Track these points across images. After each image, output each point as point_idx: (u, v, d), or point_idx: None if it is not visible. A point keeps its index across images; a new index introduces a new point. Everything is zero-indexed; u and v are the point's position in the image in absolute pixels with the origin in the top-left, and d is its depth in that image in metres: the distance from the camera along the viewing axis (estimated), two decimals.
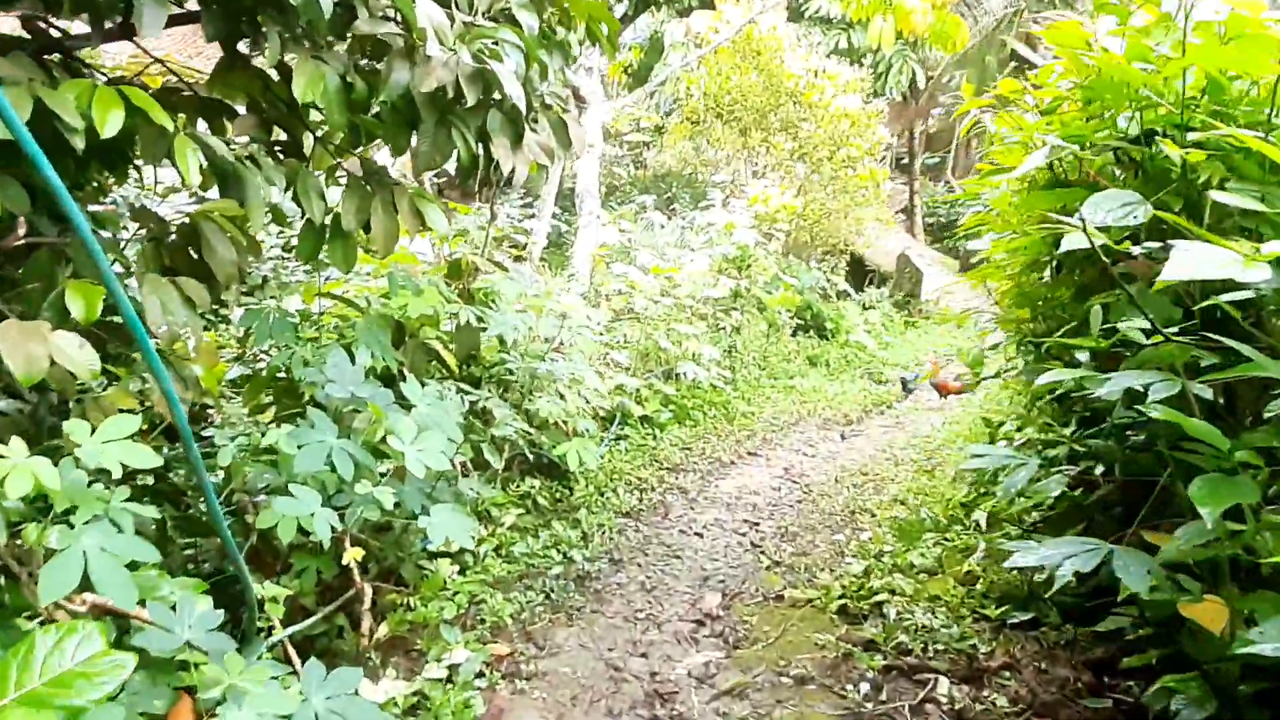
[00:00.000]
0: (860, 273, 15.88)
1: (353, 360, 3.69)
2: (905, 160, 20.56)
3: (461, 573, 3.77)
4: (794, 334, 11.16)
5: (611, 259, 7.30)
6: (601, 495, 5.00)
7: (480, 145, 4.16)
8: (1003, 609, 3.32)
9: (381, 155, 5.45)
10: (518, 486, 4.65)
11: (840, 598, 3.63)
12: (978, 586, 3.66)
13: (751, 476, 5.97)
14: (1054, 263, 2.75)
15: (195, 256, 3.08)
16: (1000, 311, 7.19)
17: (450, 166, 3.84)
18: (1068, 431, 2.20)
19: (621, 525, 4.70)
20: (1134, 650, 2.81)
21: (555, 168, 10.37)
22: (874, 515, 4.98)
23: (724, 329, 7.85)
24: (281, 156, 3.70)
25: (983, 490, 4.70)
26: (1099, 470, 2.99)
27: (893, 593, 3.66)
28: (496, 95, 4.02)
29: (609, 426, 6.01)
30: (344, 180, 3.81)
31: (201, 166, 2.91)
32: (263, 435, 3.26)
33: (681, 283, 7.15)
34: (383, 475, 3.32)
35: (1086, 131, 2.23)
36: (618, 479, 5.31)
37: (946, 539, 4.32)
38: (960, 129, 5.78)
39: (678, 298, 7.11)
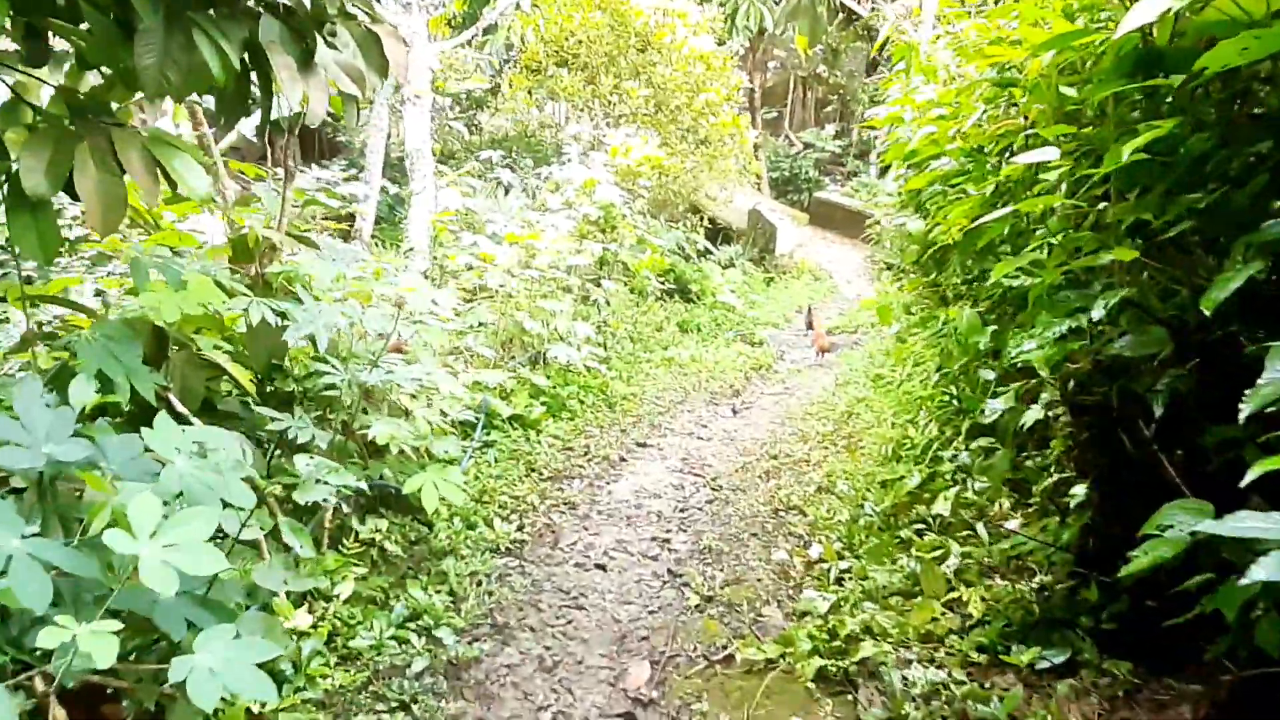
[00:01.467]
0: (712, 231, 15.20)
1: (65, 395, 2.37)
2: (746, 114, 20.04)
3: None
4: (659, 299, 10.28)
5: (457, 228, 6.02)
6: (471, 529, 3.83)
7: (254, 69, 2.89)
8: (1030, 651, 2.49)
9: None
10: (355, 535, 3.42)
11: (812, 653, 2.69)
12: (972, 611, 2.83)
13: (647, 474, 4.97)
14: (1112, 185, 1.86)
15: None
16: (900, 263, 6.52)
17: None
18: None
19: (502, 569, 3.57)
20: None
21: (379, 127, 8.77)
22: (805, 514, 4.12)
23: (594, 301, 6.78)
24: None
25: (929, 472, 3.93)
26: None
27: (873, 634, 2.77)
28: None
29: (472, 433, 4.83)
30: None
31: None
32: None
33: (542, 251, 5.99)
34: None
35: None
36: (490, 502, 4.16)
37: (900, 538, 3.51)
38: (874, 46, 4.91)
39: (540, 269, 5.95)
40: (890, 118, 4.10)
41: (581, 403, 5.97)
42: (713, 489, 4.71)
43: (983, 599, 2.88)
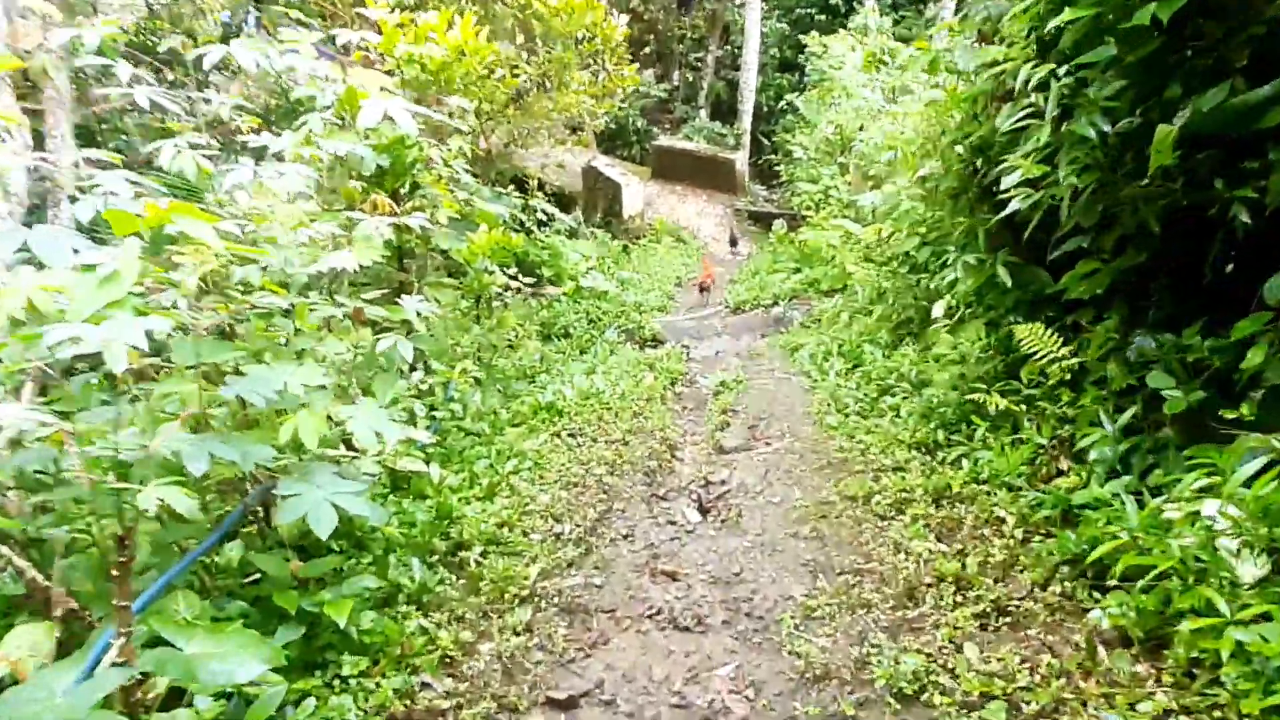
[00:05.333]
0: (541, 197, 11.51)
1: None
2: None
3: None
4: (499, 298, 6.66)
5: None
6: None
7: None
8: None
9: None
10: None
11: None
12: None
13: None
14: None
15: None
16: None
17: None
18: None
19: None
20: None
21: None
22: None
23: (391, 335, 3.10)
24: None
25: None
26: None
27: None
28: None
29: None
30: None
31: None
32: None
33: (253, 238, 2.29)
34: None
35: None
36: None
37: None
38: None
39: (246, 291, 2.29)
40: None
41: (392, 605, 2.41)
42: None
43: None
